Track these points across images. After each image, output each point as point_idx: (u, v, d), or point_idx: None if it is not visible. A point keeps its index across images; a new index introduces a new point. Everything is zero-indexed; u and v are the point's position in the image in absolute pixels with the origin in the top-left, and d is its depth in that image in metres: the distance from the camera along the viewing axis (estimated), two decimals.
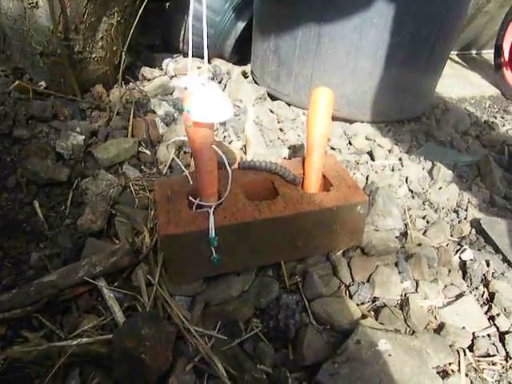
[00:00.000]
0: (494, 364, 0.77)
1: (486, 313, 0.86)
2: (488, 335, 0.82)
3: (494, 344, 0.80)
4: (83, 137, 1.19)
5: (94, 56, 1.37)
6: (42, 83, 1.38)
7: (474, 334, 0.81)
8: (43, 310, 0.81)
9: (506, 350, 0.79)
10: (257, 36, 1.64)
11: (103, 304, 0.83)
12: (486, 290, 0.91)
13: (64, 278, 0.82)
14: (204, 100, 0.65)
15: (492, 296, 0.88)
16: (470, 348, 0.79)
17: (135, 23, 1.40)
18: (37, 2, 1.18)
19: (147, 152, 1.23)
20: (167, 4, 1.94)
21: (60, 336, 0.77)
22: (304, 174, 0.89)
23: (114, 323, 0.80)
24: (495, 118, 1.78)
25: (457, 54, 2.48)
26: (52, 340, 0.76)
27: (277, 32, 1.48)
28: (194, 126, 0.68)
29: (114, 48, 1.43)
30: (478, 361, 0.78)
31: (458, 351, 0.78)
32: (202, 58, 1.86)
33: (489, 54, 2.43)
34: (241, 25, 1.77)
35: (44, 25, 1.23)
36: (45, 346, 0.73)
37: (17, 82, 1.33)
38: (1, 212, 1.01)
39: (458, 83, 2.11)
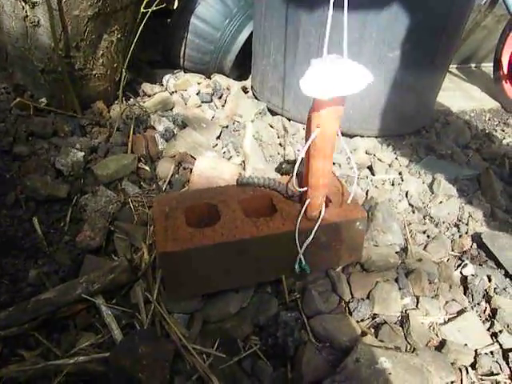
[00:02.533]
0: (497, 383, 0.76)
1: (488, 329, 0.85)
2: (491, 352, 0.81)
3: (497, 362, 0.79)
4: (83, 153, 1.19)
5: (94, 73, 1.39)
6: (43, 100, 1.39)
7: (476, 351, 0.80)
8: (40, 327, 0.80)
9: (509, 367, 0.78)
10: (257, 52, 1.65)
11: (101, 322, 0.82)
12: (488, 305, 0.90)
13: (62, 296, 0.82)
14: (326, 74, 0.63)
15: (494, 312, 0.87)
16: (473, 366, 0.78)
17: (135, 40, 1.41)
18: (38, 21, 1.20)
19: (147, 168, 1.23)
20: (168, 20, 1.96)
21: (57, 354, 0.76)
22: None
23: (111, 341, 0.79)
24: (495, 130, 1.78)
25: (456, 68, 2.49)
26: (49, 358, 0.76)
27: (276, 48, 1.49)
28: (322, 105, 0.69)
29: (115, 65, 1.45)
30: (481, 379, 0.76)
31: (460, 369, 0.77)
32: (202, 73, 1.88)
33: (488, 67, 2.44)
34: (241, 40, 1.79)
35: (45, 43, 1.24)
36: (41, 365, 0.73)
37: (18, 99, 1.34)
38: None
39: (457, 96, 2.12)
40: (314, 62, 0.65)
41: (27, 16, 1.18)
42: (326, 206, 0.87)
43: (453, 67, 2.46)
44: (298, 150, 1.39)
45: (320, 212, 0.83)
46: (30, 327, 0.79)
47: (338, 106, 0.70)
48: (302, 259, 0.83)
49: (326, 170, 0.78)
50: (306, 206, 0.81)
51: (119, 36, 1.38)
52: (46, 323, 0.81)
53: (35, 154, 1.20)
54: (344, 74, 0.63)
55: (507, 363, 0.79)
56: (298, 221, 0.81)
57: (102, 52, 1.36)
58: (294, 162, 1.32)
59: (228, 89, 1.73)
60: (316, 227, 0.81)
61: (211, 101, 1.66)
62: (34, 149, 1.21)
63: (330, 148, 0.75)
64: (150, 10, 1.37)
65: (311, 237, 0.81)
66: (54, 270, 0.92)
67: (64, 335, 0.80)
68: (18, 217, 1.04)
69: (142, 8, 1.38)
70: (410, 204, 1.19)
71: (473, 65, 2.56)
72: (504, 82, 2.02)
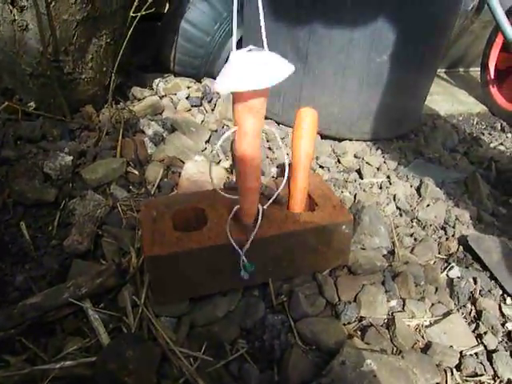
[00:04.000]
0: (481, 383, 0.77)
1: (473, 331, 0.86)
2: (476, 354, 0.81)
3: (481, 363, 0.80)
4: (71, 157, 1.19)
5: (83, 77, 1.39)
6: (32, 104, 1.38)
7: (461, 352, 0.81)
8: (27, 332, 0.79)
9: (493, 368, 0.79)
10: None
11: (88, 326, 0.82)
12: (473, 307, 0.91)
13: (49, 300, 0.82)
14: (243, 65, 0.56)
15: (479, 314, 0.88)
16: (458, 367, 0.79)
17: (125, 44, 1.41)
18: (27, 25, 1.20)
19: (135, 172, 1.23)
20: (158, 24, 1.97)
21: (43, 359, 0.76)
22: (289, 193, 0.89)
23: (99, 345, 0.79)
24: (483, 134, 1.80)
25: (445, 72, 2.52)
26: (35, 363, 0.75)
27: None
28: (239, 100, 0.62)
29: (104, 69, 1.45)
30: (466, 380, 0.77)
31: (445, 371, 0.78)
32: (192, 77, 1.88)
33: (476, 72, 2.47)
34: (231, 44, 1.79)
35: (34, 47, 1.24)
36: (27, 370, 0.72)
37: (6, 103, 1.34)
38: None
39: (446, 100, 2.14)
40: (231, 56, 0.58)
41: (15, 20, 1.18)
42: (313, 209, 0.88)
43: (441, 71, 2.49)
44: (288, 154, 1.39)
45: (256, 221, 0.77)
46: (16, 332, 0.78)
47: (256, 100, 0.62)
48: (245, 260, 0.78)
49: (249, 173, 0.70)
50: (233, 212, 0.76)
51: (108, 40, 1.38)
52: (32, 328, 0.80)
53: (23, 158, 1.20)
54: (259, 65, 0.57)
55: (491, 364, 0.79)
56: (228, 228, 0.77)
57: (91, 56, 1.36)
58: (283, 165, 1.32)
59: (218, 93, 1.74)
60: (251, 239, 0.76)
61: (201, 105, 1.66)
62: (22, 153, 1.21)
63: (252, 148, 0.67)
64: (139, 14, 1.38)
65: (247, 245, 0.77)
66: (42, 274, 0.92)
67: (51, 340, 0.80)
68: (6, 221, 1.04)
69: (131, 12, 1.38)
70: (397, 207, 1.20)
71: (461, 69, 2.59)
72: (491, 86, 2.05)
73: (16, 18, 1.18)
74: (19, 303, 0.81)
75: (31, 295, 0.84)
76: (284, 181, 0.78)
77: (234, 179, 1.18)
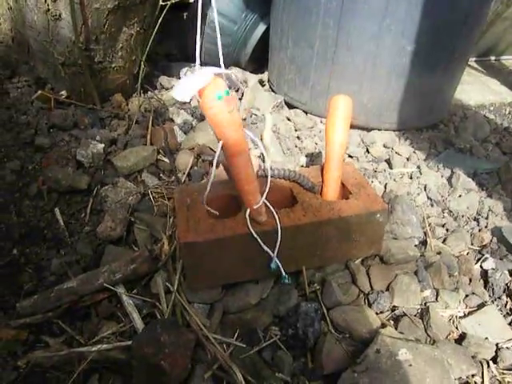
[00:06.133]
0: None
1: (509, 323, 0.84)
2: None
3: None
4: (103, 145, 1.21)
5: (113, 66, 1.40)
6: (64, 93, 1.41)
7: (497, 345, 0.79)
8: (63, 315, 0.82)
9: None
10: (274, 44, 1.64)
11: (122, 311, 0.83)
12: (508, 299, 0.89)
13: (84, 285, 0.83)
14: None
15: None
16: (494, 360, 0.78)
17: (154, 33, 1.42)
18: (60, 15, 1.21)
19: (166, 160, 1.24)
20: (185, 14, 1.97)
21: (80, 342, 0.78)
22: (323, 181, 0.89)
23: (133, 330, 0.80)
24: None
25: (475, 61, 2.45)
26: (72, 346, 0.77)
27: (294, 40, 1.48)
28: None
29: (133, 57, 1.46)
30: (503, 373, 0.76)
31: (481, 363, 0.77)
32: (219, 66, 1.87)
33: (508, 60, 2.40)
34: (258, 33, 1.78)
35: (66, 36, 1.26)
36: (65, 352, 0.74)
37: (39, 92, 1.36)
38: (22, 219, 1.02)
39: (476, 90, 2.08)
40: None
41: (49, 10, 1.20)
42: (347, 198, 0.87)
43: (472, 60, 2.43)
44: (316, 144, 1.39)
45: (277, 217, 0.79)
46: (53, 315, 0.81)
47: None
48: (276, 260, 0.80)
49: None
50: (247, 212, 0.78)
51: (138, 29, 1.39)
52: (69, 311, 0.82)
53: (56, 146, 1.22)
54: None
55: None
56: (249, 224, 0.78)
57: (121, 45, 1.37)
58: (312, 154, 1.32)
59: (245, 82, 1.73)
60: (280, 234, 0.78)
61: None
62: (55, 141, 1.24)
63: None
64: (168, 2, 1.38)
65: (279, 239, 0.78)
66: (76, 259, 0.94)
67: (86, 323, 0.82)
68: (41, 207, 1.06)
69: (160, 1, 1.38)
70: (428, 197, 1.18)
71: (492, 58, 2.52)
72: None
73: (50, 7, 1.19)
74: (56, 287, 0.83)
75: (67, 280, 0.86)
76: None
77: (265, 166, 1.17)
